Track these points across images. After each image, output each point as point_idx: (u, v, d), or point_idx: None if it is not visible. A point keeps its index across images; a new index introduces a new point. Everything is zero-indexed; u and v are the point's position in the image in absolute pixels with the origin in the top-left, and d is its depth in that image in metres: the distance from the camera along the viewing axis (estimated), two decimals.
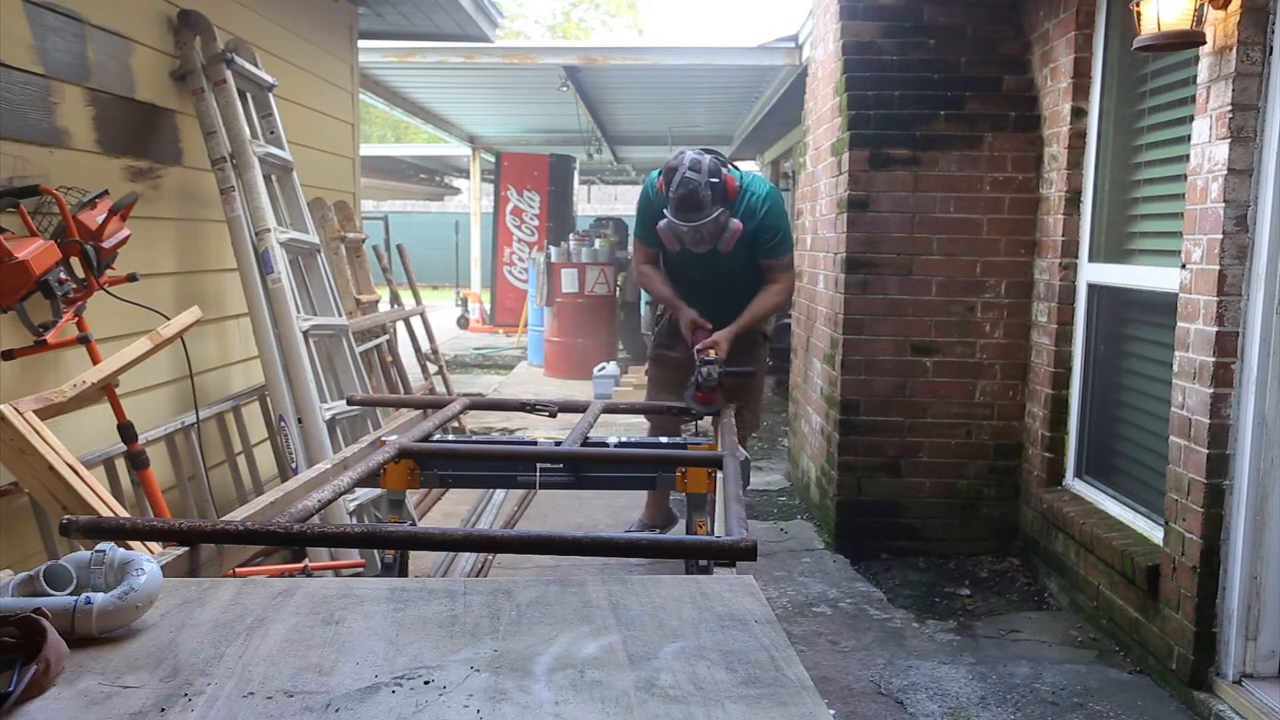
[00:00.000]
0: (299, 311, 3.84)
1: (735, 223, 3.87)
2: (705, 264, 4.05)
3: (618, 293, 10.67)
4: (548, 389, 9.11)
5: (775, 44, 8.36)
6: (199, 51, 3.79)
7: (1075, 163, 4.18)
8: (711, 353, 3.82)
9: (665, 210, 3.90)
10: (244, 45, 4.04)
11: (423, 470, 2.93)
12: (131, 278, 3.17)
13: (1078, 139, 4.17)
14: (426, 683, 1.31)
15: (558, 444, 2.96)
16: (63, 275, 2.78)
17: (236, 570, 2.31)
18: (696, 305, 4.12)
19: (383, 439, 3.13)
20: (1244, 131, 2.97)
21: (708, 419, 4.01)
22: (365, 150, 10.34)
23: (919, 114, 4.54)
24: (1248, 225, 3.00)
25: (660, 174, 3.96)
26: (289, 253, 3.92)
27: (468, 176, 17.94)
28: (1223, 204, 3.01)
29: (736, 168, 4.10)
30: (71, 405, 2.73)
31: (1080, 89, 4.13)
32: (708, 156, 3.85)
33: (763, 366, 4.40)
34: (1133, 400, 3.92)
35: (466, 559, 4.27)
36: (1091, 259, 4.15)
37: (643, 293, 8.97)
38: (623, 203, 26.07)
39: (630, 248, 8.07)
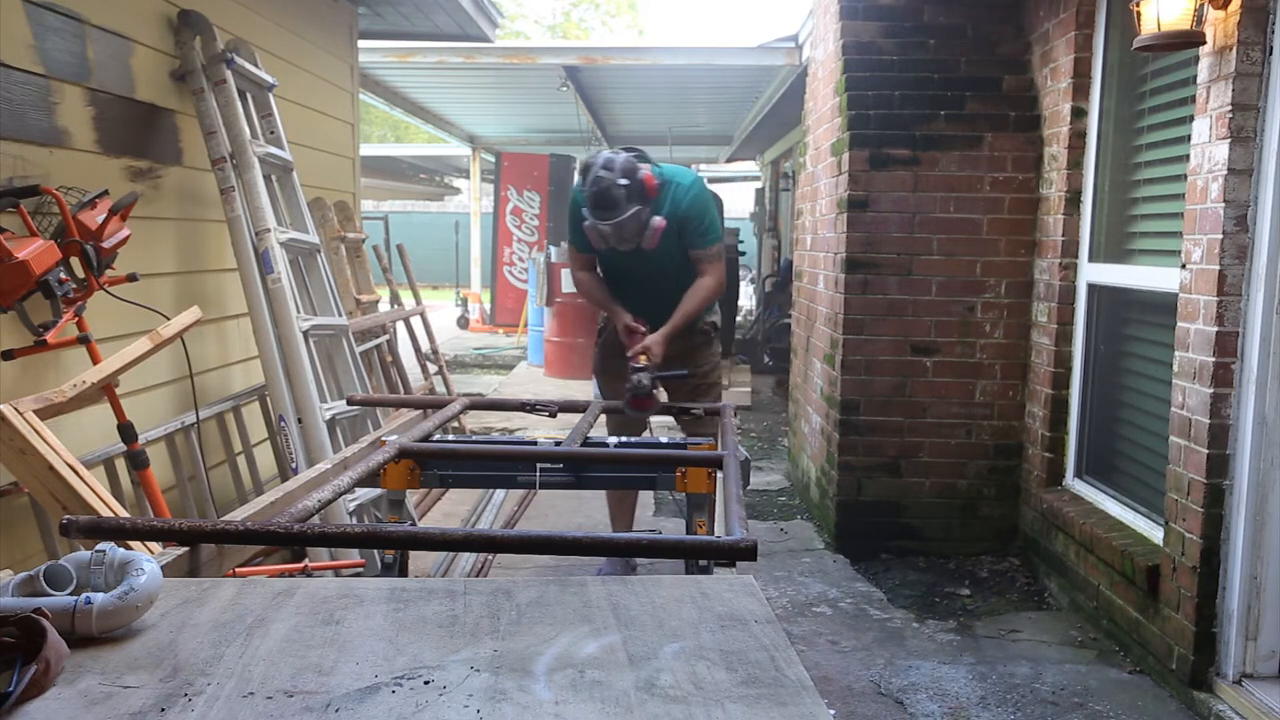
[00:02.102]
0: (299, 311, 3.84)
1: (657, 219, 3.81)
2: (639, 263, 3.99)
3: None
4: (548, 389, 9.11)
5: (775, 44, 8.36)
6: (199, 51, 3.79)
7: (1075, 163, 4.18)
8: (642, 359, 3.78)
9: (583, 210, 3.89)
10: (244, 45, 4.04)
11: (423, 470, 2.93)
12: (131, 278, 3.17)
13: (1078, 139, 4.17)
14: (426, 683, 1.31)
15: (558, 444, 2.95)
16: (63, 275, 2.78)
17: (236, 570, 2.31)
18: (639, 305, 4.03)
19: (383, 439, 3.13)
20: (1244, 131, 2.97)
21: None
22: (365, 150, 10.33)
23: (919, 114, 4.54)
24: (1248, 225, 3.00)
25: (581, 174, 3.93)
26: (289, 253, 3.92)
27: (468, 176, 17.94)
28: (1223, 204, 3.01)
29: (658, 165, 4.03)
30: (71, 405, 2.73)
31: (1080, 89, 4.13)
32: (623, 155, 3.79)
33: (717, 361, 4.31)
34: (1133, 400, 3.92)
35: (466, 559, 4.27)
36: (1091, 259, 4.15)
37: None
38: None
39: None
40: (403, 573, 3.03)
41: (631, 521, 4.44)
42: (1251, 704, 2.95)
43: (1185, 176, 3.25)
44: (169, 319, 3.16)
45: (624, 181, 3.72)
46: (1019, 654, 3.59)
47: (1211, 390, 3.06)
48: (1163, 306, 3.55)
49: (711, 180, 20.84)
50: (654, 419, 4.77)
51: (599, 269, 4.19)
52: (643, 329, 3.92)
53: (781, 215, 13.86)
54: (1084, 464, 4.23)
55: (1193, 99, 3.21)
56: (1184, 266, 3.23)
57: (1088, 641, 3.70)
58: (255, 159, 3.82)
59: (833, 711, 3.11)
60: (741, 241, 12.62)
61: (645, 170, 3.81)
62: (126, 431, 3.00)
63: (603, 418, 4.00)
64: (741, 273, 13.53)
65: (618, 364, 4.00)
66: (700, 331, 4.14)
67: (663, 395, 4.19)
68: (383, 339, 5.72)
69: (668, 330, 3.88)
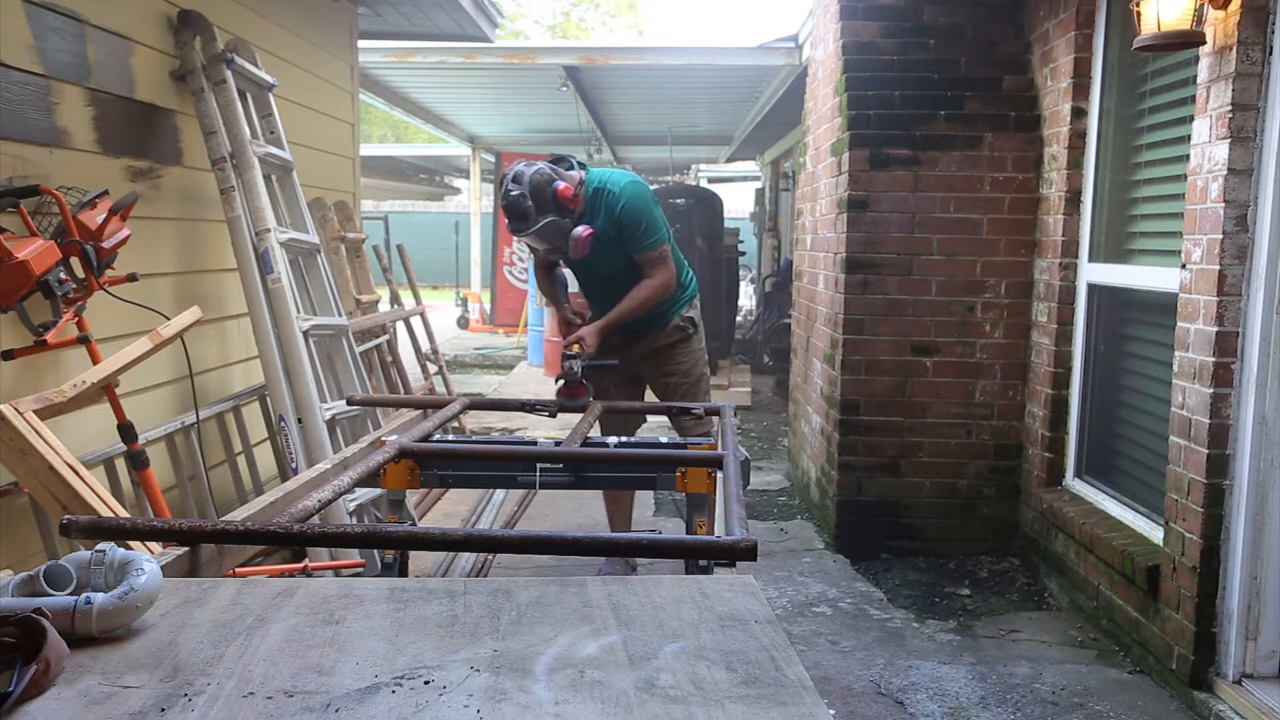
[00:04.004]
0: (299, 311, 3.84)
1: (580, 230, 3.80)
2: (595, 264, 4.01)
3: None
4: (548, 389, 9.09)
5: (775, 44, 8.36)
6: (199, 51, 3.79)
7: (1075, 163, 4.18)
8: (575, 348, 3.79)
9: None
10: (244, 45, 4.04)
11: (423, 470, 2.93)
12: (131, 278, 3.17)
13: (1078, 139, 4.17)
14: (426, 683, 1.31)
15: (558, 444, 2.96)
16: (63, 275, 2.78)
17: (236, 570, 2.31)
18: (606, 304, 4.05)
19: (383, 439, 3.13)
20: (1244, 131, 2.97)
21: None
22: (365, 150, 10.29)
23: (919, 114, 4.53)
24: (1248, 225, 3.00)
25: None
26: (289, 253, 3.92)
27: (468, 176, 17.92)
28: (1223, 204, 3.01)
29: (585, 170, 3.96)
30: (71, 405, 2.73)
31: (1080, 89, 4.13)
32: (536, 166, 3.77)
33: (700, 357, 4.28)
34: (1133, 400, 3.92)
35: (466, 559, 4.27)
36: (1091, 259, 4.15)
37: None
38: None
39: None
40: (403, 573, 3.03)
41: (630, 521, 4.44)
42: (1251, 704, 2.95)
43: (1185, 176, 3.25)
44: (169, 319, 3.16)
45: (519, 192, 3.70)
46: (1019, 654, 3.59)
47: (1211, 390, 3.06)
48: (1163, 306, 3.55)
49: (711, 180, 20.93)
50: (651, 418, 4.78)
51: (571, 268, 4.23)
52: (579, 322, 4.01)
53: (781, 215, 13.85)
54: (1084, 464, 4.23)
55: (1193, 99, 3.21)
56: (1184, 266, 3.23)
57: (1088, 641, 3.70)
58: (255, 159, 3.82)
59: (833, 711, 3.11)
60: (741, 241, 12.62)
61: (563, 182, 3.77)
62: (126, 431, 3.00)
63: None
64: (741, 273, 13.52)
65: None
66: (675, 328, 4.15)
67: (656, 393, 4.21)
68: (383, 339, 5.72)
69: (602, 324, 3.92)
